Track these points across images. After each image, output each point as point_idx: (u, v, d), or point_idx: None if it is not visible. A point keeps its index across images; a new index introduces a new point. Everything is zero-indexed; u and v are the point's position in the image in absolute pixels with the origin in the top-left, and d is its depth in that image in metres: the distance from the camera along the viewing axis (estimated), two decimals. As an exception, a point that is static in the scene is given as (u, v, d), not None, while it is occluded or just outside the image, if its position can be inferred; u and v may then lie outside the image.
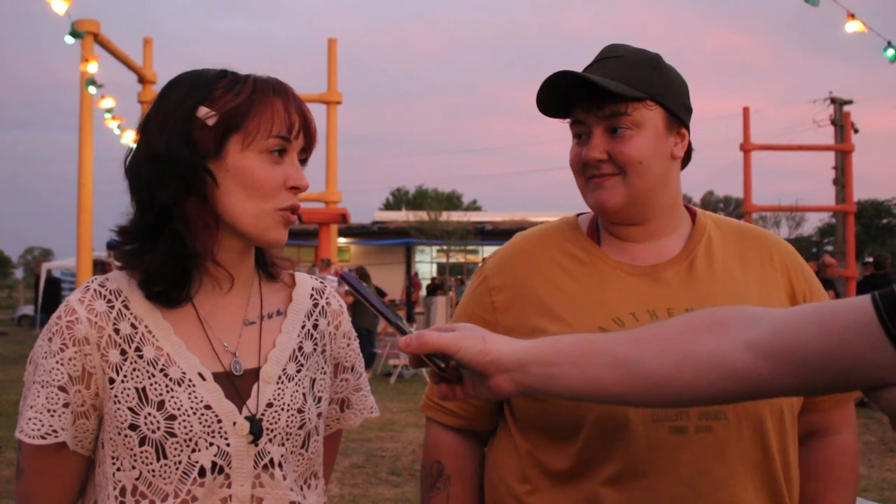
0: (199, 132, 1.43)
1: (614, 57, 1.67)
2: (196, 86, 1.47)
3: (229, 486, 1.45)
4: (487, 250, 30.67)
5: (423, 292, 28.50)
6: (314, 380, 1.60)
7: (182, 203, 1.44)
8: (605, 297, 1.65)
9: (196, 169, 1.44)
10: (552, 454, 1.65)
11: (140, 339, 1.46)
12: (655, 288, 1.65)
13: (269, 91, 1.47)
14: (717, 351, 1.18)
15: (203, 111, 1.44)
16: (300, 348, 1.59)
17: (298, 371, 1.57)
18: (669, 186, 1.69)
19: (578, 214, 1.84)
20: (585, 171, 1.67)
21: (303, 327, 1.62)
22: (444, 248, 30.23)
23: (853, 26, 10.27)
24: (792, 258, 1.77)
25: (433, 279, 29.82)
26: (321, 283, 1.73)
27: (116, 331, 1.46)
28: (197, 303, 1.52)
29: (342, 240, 27.47)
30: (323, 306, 1.68)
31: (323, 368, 1.64)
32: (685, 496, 1.56)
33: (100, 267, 19.01)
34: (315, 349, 1.62)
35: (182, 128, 1.44)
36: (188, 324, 1.50)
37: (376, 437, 8.95)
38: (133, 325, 1.47)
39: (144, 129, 1.49)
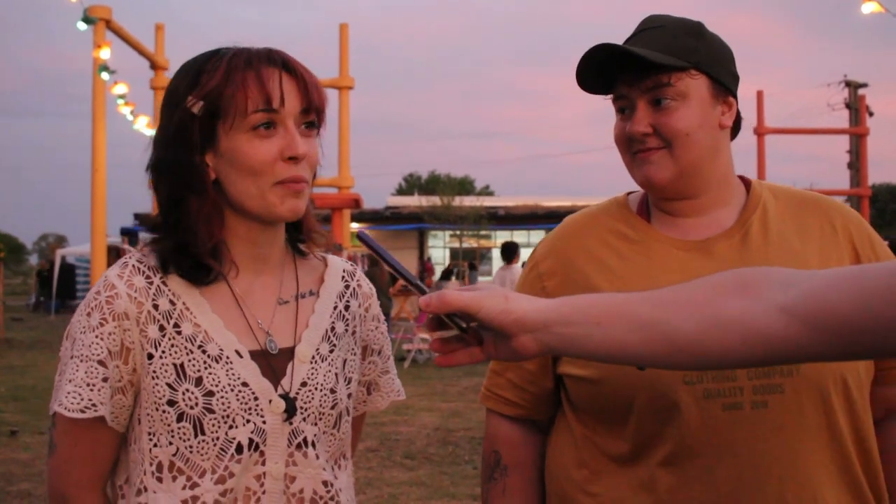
0: (188, 124, 1.43)
1: (655, 28, 1.61)
2: (187, 73, 1.47)
3: (263, 463, 1.46)
4: (500, 235, 30.65)
5: (436, 277, 28.55)
6: (345, 360, 1.60)
7: (184, 198, 1.45)
8: (655, 274, 1.59)
9: (186, 165, 1.44)
10: (607, 438, 1.62)
11: (178, 315, 1.46)
12: (707, 262, 1.58)
13: (240, 66, 1.42)
14: (747, 314, 1.14)
15: (190, 100, 1.43)
16: (332, 329, 1.59)
17: (331, 351, 1.57)
18: (720, 158, 1.62)
19: (628, 193, 1.79)
20: (631, 146, 1.61)
21: (335, 308, 1.62)
22: (457, 233, 30.20)
23: (870, 7, 10.17)
24: (856, 224, 1.67)
25: (449, 264, 29.85)
26: (352, 265, 1.72)
27: (155, 306, 1.46)
28: (232, 281, 1.51)
29: (355, 225, 27.49)
30: (354, 288, 1.67)
31: (353, 349, 1.64)
32: (744, 475, 1.50)
33: (114, 253, 19.09)
34: (346, 330, 1.62)
35: (174, 122, 1.45)
36: (224, 301, 1.50)
37: (391, 420, 8.97)
38: (171, 302, 1.47)
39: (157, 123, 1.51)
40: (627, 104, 1.61)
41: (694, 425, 1.51)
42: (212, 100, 1.42)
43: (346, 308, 1.64)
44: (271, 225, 1.52)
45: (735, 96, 1.64)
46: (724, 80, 1.60)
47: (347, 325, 1.63)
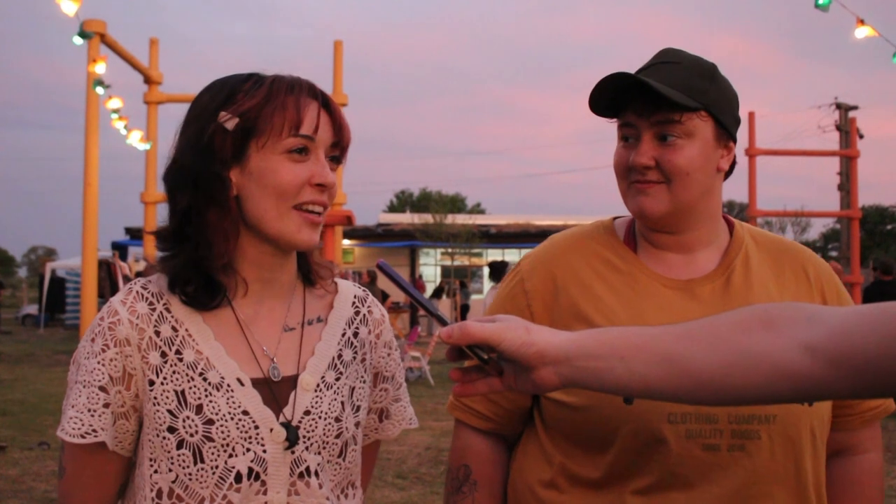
0: (219, 138, 1.44)
1: (670, 62, 1.63)
2: (221, 90, 1.48)
3: (265, 492, 1.45)
4: (492, 253, 30.66)
5: (427, 295, 28.53)
6: (353, 388, 1.59)
7: (203, 211, 1.45)
8: (642, 310, 1.63)
9: (212, 177, 1.44)
10: (582, 463, 1.64)
11: (180, 342, 1.47)
12: (691, 303, 1.63)
13: (282, 90, 1.45)
14: (771, 351, 1.15)
15: (223, 115, 1.44)
16: (339, 356, 1.58)
17: (337, 379, 1.56)
18: (712, 198, 1.67)
19: (614, 218, 1.81)
20: (630, 175, 1.64)
21: (343, 335, 1.61)
22: (449, 250, 30.19)
23: (863, 32, 10.22)
24: (827, 276, 1.73)
25: (441, 282, 29.84)
26: (363, 291, 1.71)
27: (157, 333, 1.46)
28: (237, 307, 1.52)
29: (347, 242, 27.48)
30: (364, 314, 1.67)
31: (362, 377, 1.63)
32: None
33: (104, 267, 19.01)
34: (355, 357, 1.61)
35: (200, 134, 1.45)
36: (228, 328, 1.50)
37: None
38: (174, 328, 1.47)
39: (178, 135, 1.51)
40: (633, 133, 1.63)
41: (673, 462, 1.55)
42: (249, 118, 1.43)
43: (355, 335, 1.63)
44: (282, 252, 1.52)
45: (735, 141, 1.68)
46: (728, 124, 1.64)
47: (356, 352, 1.62)
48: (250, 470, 1.44)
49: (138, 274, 17.72)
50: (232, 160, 1.45)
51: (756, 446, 1.56)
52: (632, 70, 1.63)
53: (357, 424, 1.58)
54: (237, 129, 1.43)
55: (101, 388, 1.44)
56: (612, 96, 1.63)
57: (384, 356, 1.70)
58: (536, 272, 1.75)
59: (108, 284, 19.38)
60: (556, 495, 1.66)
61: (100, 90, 13.87)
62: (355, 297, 1.68)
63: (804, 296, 1.68)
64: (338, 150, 1.51)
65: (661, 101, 1.56)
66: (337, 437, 1.52)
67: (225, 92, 1.47)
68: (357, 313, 1.66)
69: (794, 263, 1.72)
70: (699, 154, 1.60)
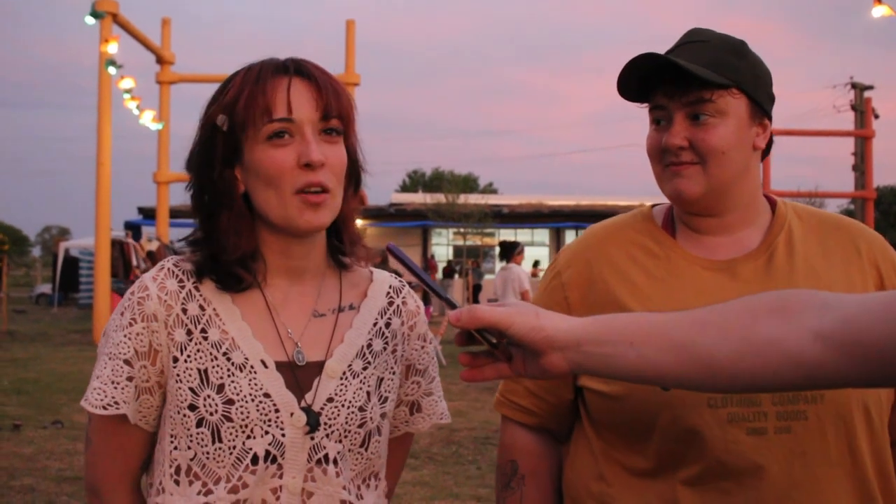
0: (215, 137, 1.46)
1: (699, 41, 1.60)
2: (218, 91, 1.50)
3: (281, 476, 1.45)
4: (504, 233, 30.62)
5: (439, 275, 28.56)
6: (381, 379, 1.57)
7: (214, 212, 1.47)
8: (680, 293, 1.59)
9: (211, 180, 1.46)
10: (628, 454, 1.61)
11: (207, 320, 1.47)
12: (732, 283, 1.58)
13: (251, 79, 1.44)
14: (782, 338, 1.13)
15: (220, 118, 1.45)
16: (369, 346, 1.56)
17: (365, 368, 1.54)
18: (749, 178, 1.62)
19: (653, 206, 1.78)
20: (664, 158, 1.60)
21: (374, 325, 1.59)
22: (461, 230, 30.17)
23: (880, 11, 10.11)
24: (881, 249, 1.66)
25: (449, 262, 29.84)
26: (400, 281, 1.69)
27: (184, 310, 1.47)
28: (266, 290, 1.52)
29: (359, 221, 27.42)
30: (398, 305, 1.64)
31: (392, 368, 1.60)
32: (767, 499, 1.50)
33: (117, 246, 19.09)
34: (385, 348, 1.59)
35: (200, 137, 1.48)
36: (257, 310, 1.51)
37: (392, 418, 8.93)
38: (201, 307, 1.48)
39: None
40: (664, 115, 1.60)
41: (718, 449, 1.51)
42: (231, 113, 1.43)
43: (387, 325, 1.61)
44: (303, 237, 1.50)
45: (770, 118, 1.64)
46: (762, 101, 1.60)
47: (387, 342, 1.60)
48: (267, 453, 1.43)
49: (149, 253, 17.81)
50: (231, 158, 1.46)
51: (804, 427, 1.50)
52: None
53: (383, 415, 1.56)
54: (228, 126, 1.44)
55: (126, 362, 1.45)
56: (641, 80, 1.60)
57: (417, 349, 1.67)
58: (573, 264, 1.73)
59: (122, 264, 19.47)
60: (606, 488, 1.63)
61: (112, 70, 13.89)
62: (390, 287, 1.65)
63: (854, 272, 1.62)
64: (332, 121, 1.45)
65: (692, 80, 1.53)
66: (360, 426, 1.51)
67: (219, 90, 1.49)
68: (391, 304, 1.63)
69: (843, 240, 1.66)
70: (733, 132, 1.56)
